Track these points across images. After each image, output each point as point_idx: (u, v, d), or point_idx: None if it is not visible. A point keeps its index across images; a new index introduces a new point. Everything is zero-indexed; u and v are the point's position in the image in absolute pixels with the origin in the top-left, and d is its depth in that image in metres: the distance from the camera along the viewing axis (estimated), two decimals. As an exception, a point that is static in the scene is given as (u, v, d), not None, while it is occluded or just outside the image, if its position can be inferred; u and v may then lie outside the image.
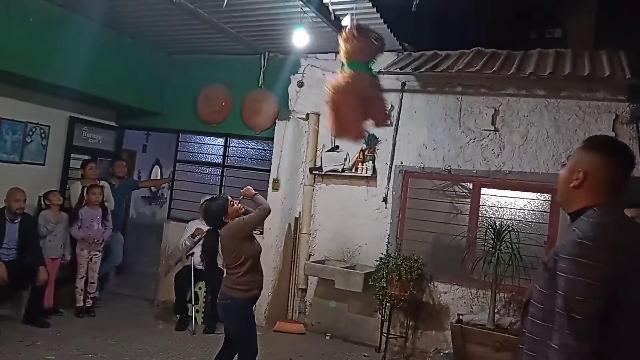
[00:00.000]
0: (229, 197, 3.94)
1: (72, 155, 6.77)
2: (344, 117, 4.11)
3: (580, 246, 1.60)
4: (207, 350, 5.20)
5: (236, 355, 3.84)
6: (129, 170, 8.40)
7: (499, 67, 5.39)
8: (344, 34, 4.13)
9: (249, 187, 4.24)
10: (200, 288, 6.03)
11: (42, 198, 5.99)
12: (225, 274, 3.86)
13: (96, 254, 6.08)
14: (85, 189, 6.11)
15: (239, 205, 3.94)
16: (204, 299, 6.05)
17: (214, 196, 4.09)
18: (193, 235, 5.98)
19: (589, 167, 1.75)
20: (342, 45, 4.13)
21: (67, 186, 6.65)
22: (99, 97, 6.36)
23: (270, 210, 4.01)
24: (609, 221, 1.67)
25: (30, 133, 6.23)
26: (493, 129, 5.65)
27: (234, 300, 3.73)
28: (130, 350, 4.96)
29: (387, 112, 4.34)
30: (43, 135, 6.38)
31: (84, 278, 5.98)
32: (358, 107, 4.13)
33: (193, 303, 5.91)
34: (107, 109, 7.16)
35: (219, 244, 3.82)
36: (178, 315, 5.94)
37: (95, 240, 6.00)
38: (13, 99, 5.96)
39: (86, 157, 6.81)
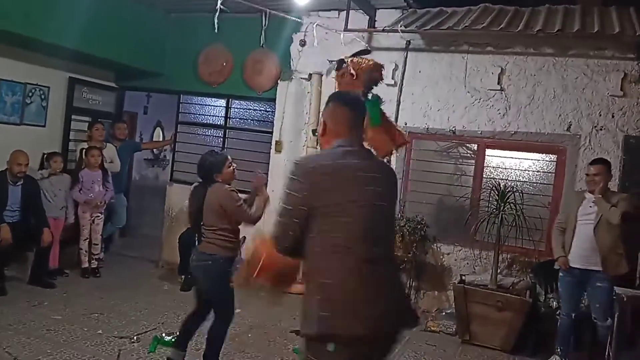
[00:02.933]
0: (229, 157, 3.84)
1: (73, 117, 6.73)
2: None
3: (292, 166, 2.11)
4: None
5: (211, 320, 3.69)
6: (131, 132, 8.35)
7: (506, 24, 5.25)
8: (340, 71, 4.07)
9: (260, 176, 4.02)
10: (204, 249, 6.06)
11: (44, 157, 5.97)
12: (205, 233, 3.63)
13: (98, 216, 6.08)
14: (84, 151, 6.07)
15: (234, 169, 3.78)
16: (208, 260, 6.08)
17: (215, 151, 3.99)
18: None
19: (327, 117, 2.24)
20: (337, 82, 4.11)
21: (73, 148, 6.64)
22: (97, 57, 6.23)
23: (257, 221, 3.70)
24: (325, 151, 2.20)
25: (30, 94, 6.15)
26: (499, 88, 5.55)
27: (215, 260, 3.53)
28: (136, 309, 5.02)
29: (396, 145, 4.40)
30: (43, 97, 6.31)
31: (88, 240, 6.01)
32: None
33: (197, 264, 5.94)
34: (107, 69, 7.06)
35: (204, 200, 3.62)
36: (182, 276, 5.99)
37: (98, 203, 6.00)
38: (11, 60, 5.87)
39: (87, 119, 6.76)
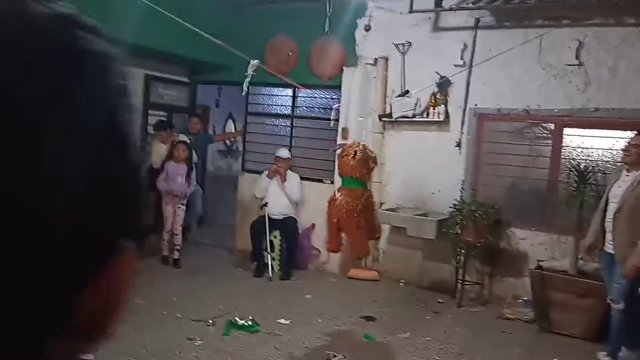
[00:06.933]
0: None
1: (149, 112, 7.05)
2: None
3: None
4: (283, 295, 5.38)
5: None
6: (205, 125, 8.63)
7: (584, -5, 4.93)
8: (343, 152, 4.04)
9: None
10: (275, 237, 6.18)
11: None
12: None
13: (179, 207, 6.31)
14: (172, 144, 6.34)
15: None
16: (279, 247, 6.20)
17: None
18: (269, 175, 6.14)
19: None
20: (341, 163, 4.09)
21: (148, 142, 6.97)
22: (172, 54, 6.46)
23: None
24: None
25: (110, 92, 6.49)
26: (577, 63, 5.22)
27: None
28: (212, 294, 5.21)
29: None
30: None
31: (170, 231, 6.24)
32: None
33: (269, 251, 6.07)
34: (180, 65, 7.32)
35: None
36: (255, 263, 6.14)
37: (178, 194, 6.23)
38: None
39: (162, 113, 7.05)
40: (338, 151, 4.87)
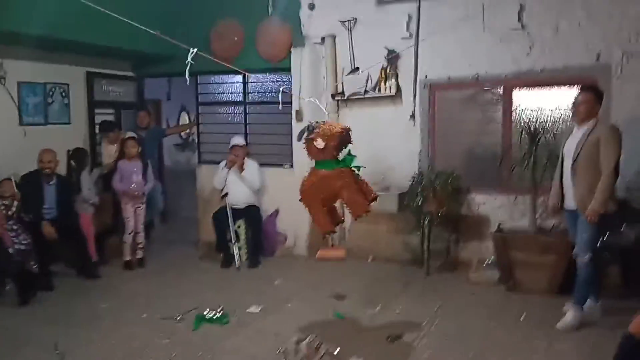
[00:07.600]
0: None
1: (96, 111, 6.80)
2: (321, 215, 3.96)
3: None
4: (251, 283, 5.34)
5: None
6: (157, 119, 8.41)
7: (521, -43, 4.97)
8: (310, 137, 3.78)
9: None
10: (239, 226, 6.10)
11: (70, 154, 6.05)
12: None
13: (139, 206, 6.09)
14: (121, 142, 6.12)
15: None
16: (245, 236, 6.13)
17: None
18: (227, 165, 6.03)
19: None
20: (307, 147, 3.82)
21: (99, 142, 6.75)
22: (111, 47, 6.19)
23: None
24: None
25: (51, 93, 6.24)
26: (520, 26, 5.28)
27: None
28: (178, 290, 5.13)
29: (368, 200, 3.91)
30: (64, 94, 6.39)
31: (132, 233, 6.00)
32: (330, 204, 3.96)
33: (234, 241, 5.98)
34: (122, 59, 7.06)
35: None
36: (221, 254, 6.06)
37: (136, 193, 5.99)
38: (27, 61, 5.92)
39: (110, 111, 6.82)
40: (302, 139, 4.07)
